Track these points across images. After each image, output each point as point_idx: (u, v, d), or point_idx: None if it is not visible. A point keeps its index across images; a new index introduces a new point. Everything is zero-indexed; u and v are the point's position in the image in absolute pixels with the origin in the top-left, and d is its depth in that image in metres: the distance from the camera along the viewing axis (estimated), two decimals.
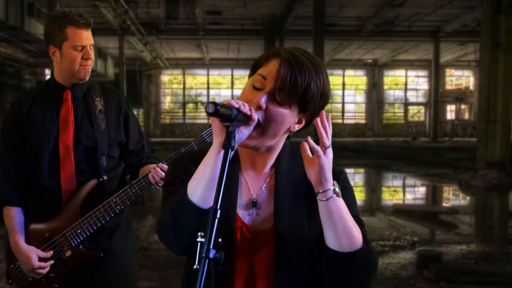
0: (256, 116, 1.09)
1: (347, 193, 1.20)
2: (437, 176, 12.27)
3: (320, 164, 1.08)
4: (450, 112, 31.97)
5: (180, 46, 24.38)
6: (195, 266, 0.95)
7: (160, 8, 16.52)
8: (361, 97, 32.52)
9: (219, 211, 0.97)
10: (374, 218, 7.61)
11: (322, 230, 1.15)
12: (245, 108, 1.07)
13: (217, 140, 1.07)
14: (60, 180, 1.97)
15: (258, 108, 1.12)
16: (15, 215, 2.00)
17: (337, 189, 1.11)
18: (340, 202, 1.12)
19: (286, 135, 1.21)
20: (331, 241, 1.13)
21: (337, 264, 1.13)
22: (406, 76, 32.11)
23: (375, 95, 31.67)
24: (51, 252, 1.97)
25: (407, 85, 32.21)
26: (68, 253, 1.97)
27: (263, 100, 1.12)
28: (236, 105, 1.05)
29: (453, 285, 4.21)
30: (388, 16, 19.43)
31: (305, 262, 1.17)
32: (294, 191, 1.20)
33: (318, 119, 1.09)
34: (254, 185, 1.22)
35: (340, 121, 31.73)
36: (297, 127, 1.20)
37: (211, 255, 0.95)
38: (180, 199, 1.09)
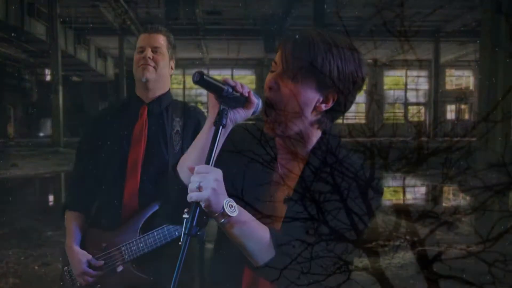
0: (256, 100, 1.07)
1: None
2: (437, 176, 12.27)
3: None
4: (450, 112, 31.98)
5: (180, 46, 24.32)
6: (180, 243, 0.97)
7: (160, 8, 16.52)
8: (361, 97, 32.49)
9: None
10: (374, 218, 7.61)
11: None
12: (242, 89, 1.05)
13: (211, 115, 1.08)
14: (123, 195, 1.93)
15: (269, 88, 1.10)
16: (73, 218, 2.01)
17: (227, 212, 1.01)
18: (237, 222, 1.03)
19: (316, 118, 1.15)
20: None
21: None
22: (406, 76, 32.12)
23: (375, 95, 31.71)
24: (102, 262, 1.93)
25: (407, 85, 32.22)
26: (119, 269, 1.92)
27: (271, 79, 1.11)
28: (232, 83, 1.04)
29: (453, 285, 4.22)
30: (388, 16, 19.44)
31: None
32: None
33: None
34: (287, 177, 1.17)
35: (340, 121, 31.73)
36: (324, 107, 1.14)
37: (194, 232, 0.97)
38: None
